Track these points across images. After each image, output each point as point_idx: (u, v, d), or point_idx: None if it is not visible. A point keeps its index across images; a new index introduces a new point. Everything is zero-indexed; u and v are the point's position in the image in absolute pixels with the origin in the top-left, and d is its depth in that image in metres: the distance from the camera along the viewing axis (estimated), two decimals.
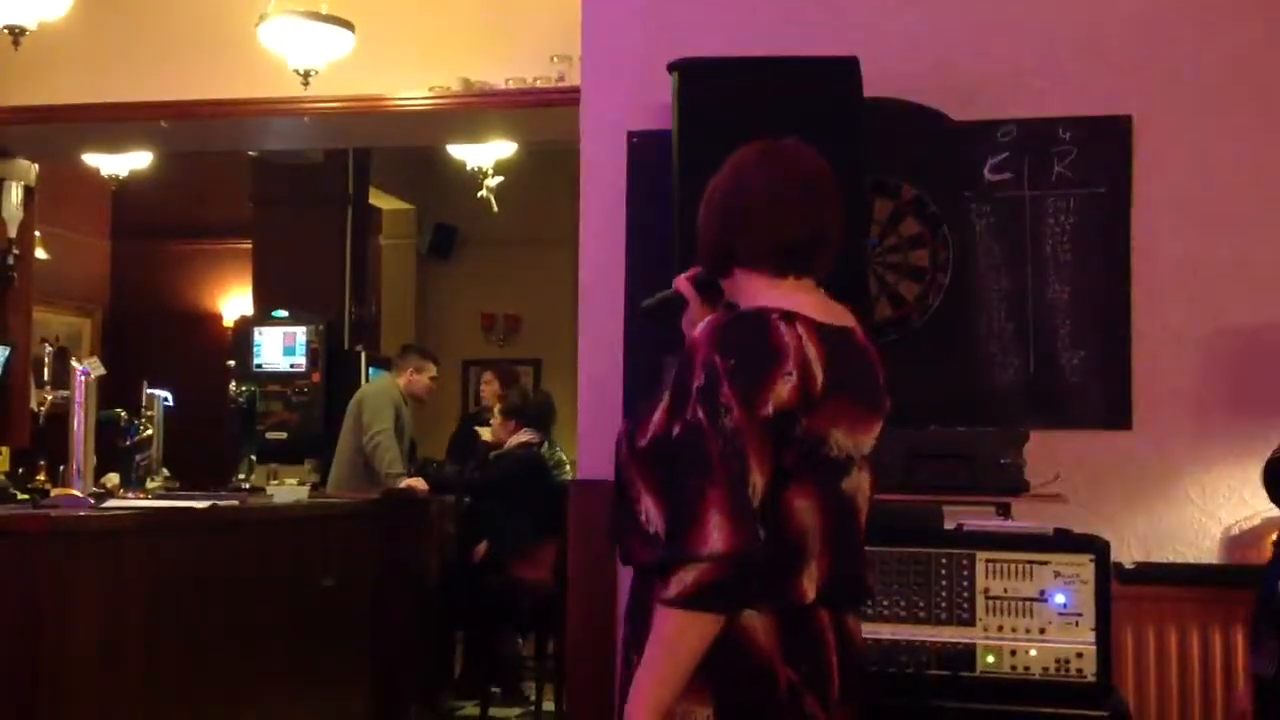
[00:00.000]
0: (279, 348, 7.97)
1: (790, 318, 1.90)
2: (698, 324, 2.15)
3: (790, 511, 1.88)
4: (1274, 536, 2.86)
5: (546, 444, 6.41)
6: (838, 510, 1.95)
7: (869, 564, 2.11)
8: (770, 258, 1.99)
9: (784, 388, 1.85)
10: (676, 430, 1.87)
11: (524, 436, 6.32)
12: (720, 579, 1.78)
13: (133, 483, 4.80)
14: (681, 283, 2.18)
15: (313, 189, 8.31)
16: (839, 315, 2.00)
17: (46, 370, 6.10)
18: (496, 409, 6.55)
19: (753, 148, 2.06)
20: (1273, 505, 2.81)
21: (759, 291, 2.00)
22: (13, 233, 6.67)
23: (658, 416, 1.94)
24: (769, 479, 1.84)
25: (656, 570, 1.85)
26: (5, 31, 4.94)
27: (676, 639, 1.80)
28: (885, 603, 2.76)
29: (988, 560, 2.74)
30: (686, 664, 1.81)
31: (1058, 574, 2.71)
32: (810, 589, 1.91)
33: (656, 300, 2.31)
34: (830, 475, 1.93)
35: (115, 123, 6.13)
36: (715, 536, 1.77)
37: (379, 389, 6.63)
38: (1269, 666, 2.68)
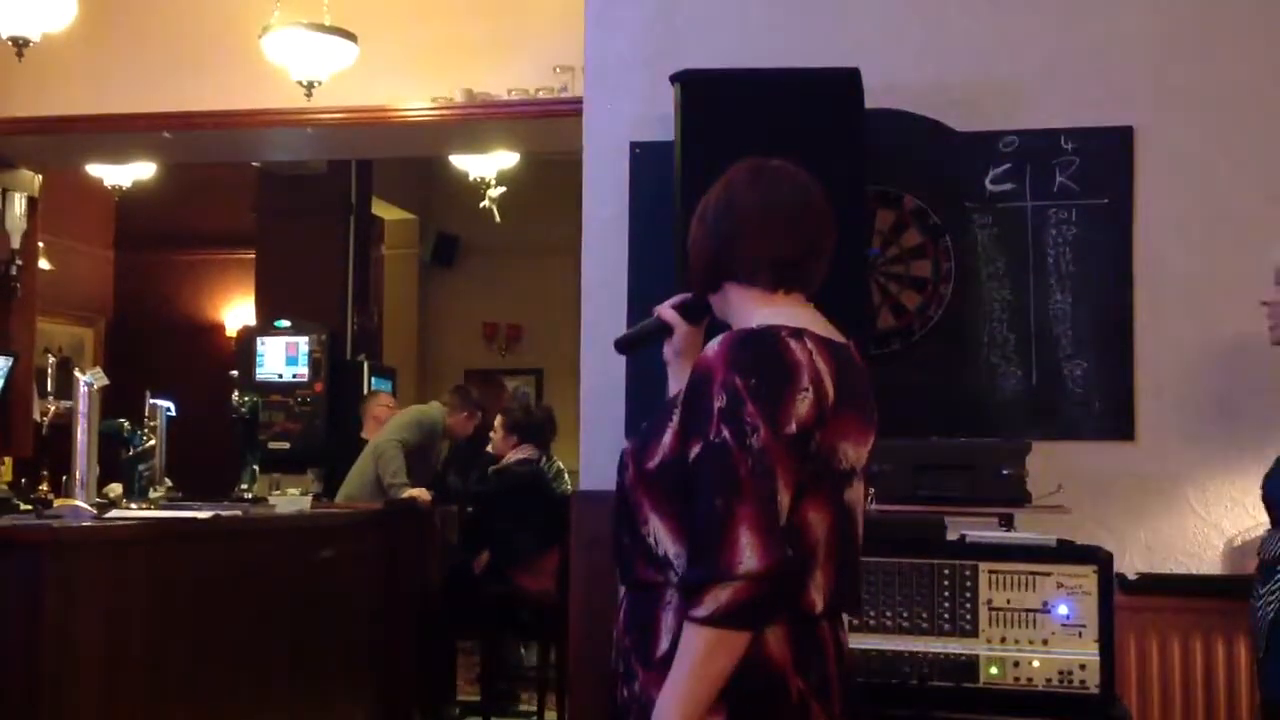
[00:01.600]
0: (281, 357, 7.97)
1: (799, 334, 1.91)
2: (685, 351, 2.16)
3: (805, 524, 1.90)
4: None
5: (545, 458, 6.42)
6: (842, 521, 1.97)
7: (860, 574, 2.12)
8: (764, 272, 2.01)
9: (803, 405, 1.86)
10: (696, 451, 1.87)
11: (523, 452, 6.32)
12: (754, 597, 1.79)
13: (135, 493, 4.80)
14: (666, 311, 2.17)
15: (315, 199, 8.32)
16: (832, 330, 2.02)
17: (50, 380, 6.10)
18: (498, 421, 6.57)
19: (744, 166, 2.07)
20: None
21: (752, 307, 2.01)
22: (16, 243, 6.68)
23: (668, 439, 1.94)
24: (792, 496, 1.86)
25: (684, 589, 1.85)
26: (9, 43, 4.96)
27: (709, 657, 1.81)
28: (888, 614, 2.76)
29: (991, 571, 2.74)
30: (718, 681, 1.82)
31: (1061, 585, 2.71)
32: (819, 600, 1.93)
33: (635, 333, 2.28)
34: (837, 488, 1.95)
35: (118, 134, 6.14)
36: (749, 555, 1.78)
37: (423, 411, 6.73)
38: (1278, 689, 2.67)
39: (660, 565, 1.93)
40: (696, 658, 1.81)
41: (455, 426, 6.73)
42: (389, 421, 6.57)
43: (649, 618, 1.95)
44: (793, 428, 1.85)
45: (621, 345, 2.35)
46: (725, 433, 1.83)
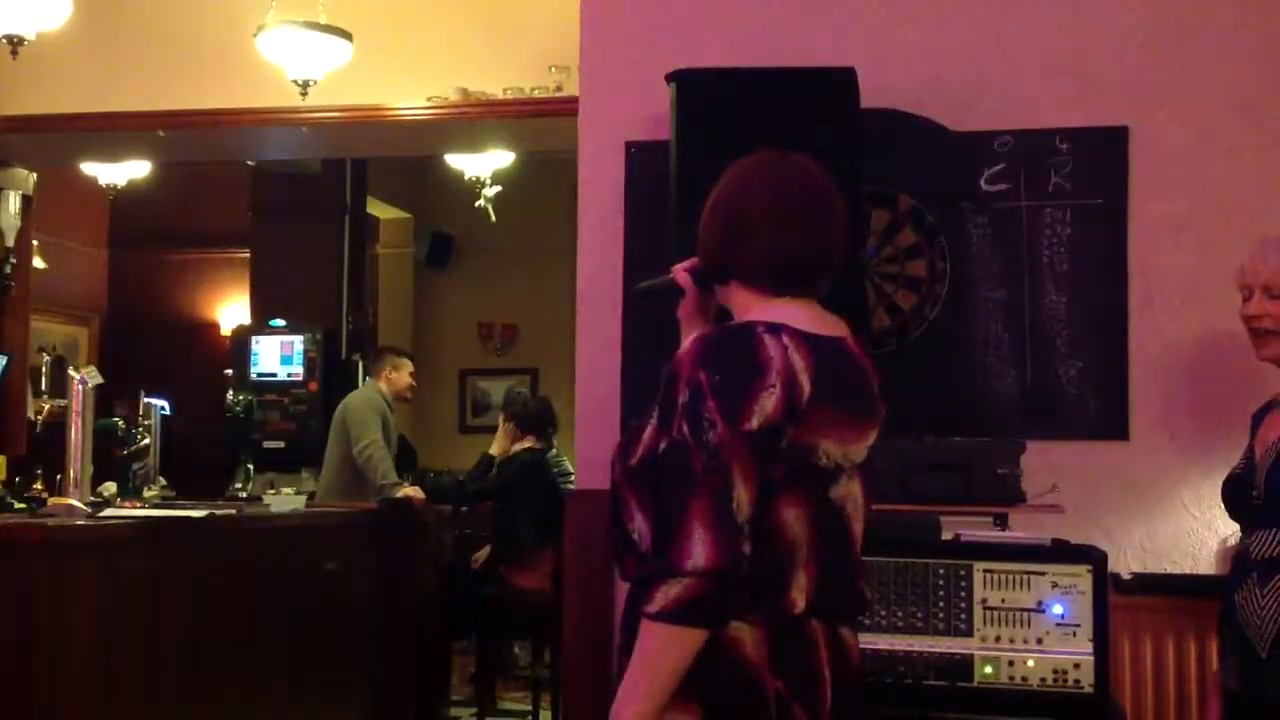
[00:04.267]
0: (276, 357, 7.96)
1: (775, 329, 1.90)
2: (694, 314, 2.16)
3: (780, 523, 1.88)
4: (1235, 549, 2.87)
5: (554, 450, 6.43)
6: (827, 520, 1.94)
7: (866, 575, 2.10)
8: (769, 275, 1.99)
9: (768, 401, 1.84)
10: (663, 447, 1.87)
11: (528, 442, 6.37)
12: (703, 594, 1.78)
13: (129, 492, 4.80)
14: (680, 273, 2.16)
15: (311, 198, 8.31)
16: (831, 326, 1.99)
17: (44, 379, 6.11)
18: (501, 419, 6.61)
19: (760, 159, 2.05)
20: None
21: (752, 307, 2.00)
22: (10, 241, 6.67)
23: (647, 434, 1.94)
24: (755, 493, 1.84)
25: (638, 584, 1.86)
26: (4, 41, 4.95)
27: (660, 653, 1.81)
28: (883, 613, 2.76)
29: (985, 571, 2.75)
30: (670, 678, 1.81)
31: (1055, 584, 2.72)
32: (800, 599, 1.91)
33: (652, 285, 2.30)
34: (819, 485, 1.93)
35: (113, 132, 6.12)
36: (698, 551, 1.77)
37: (363, 399, 6.59)
38: (1233, 680, 2.69)
39: (646, 561, 1.92)
40: (648, 653, 1.81)
41: (392, 388, 6.61)
42: (352, 426, 6.38)
43: (636, 618, 1.94)
44: (753, 424, 1.83)
45: (638, 294, 2.39)
46: (685, 428, 1.84)
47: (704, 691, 1.84)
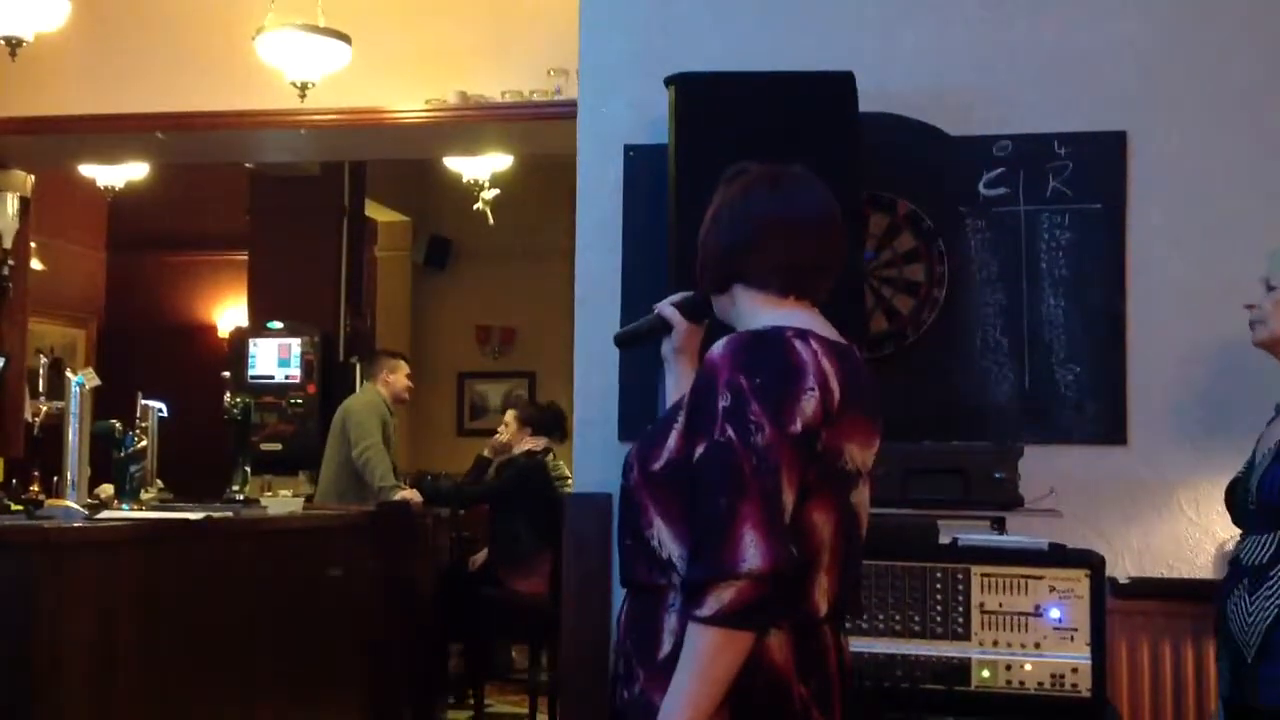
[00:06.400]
0: (274, 359, 7.97)
1: (804, 335, 1.91)
2: (683, 349, 2.16)
3: (810, 526, 1.88)
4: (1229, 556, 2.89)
5: (552, 454, 6.44)
6: (848, 524, 1.96)
7: (860, 577, 2.12)
8: (776, 277, 2.00)
9: (808, 404, 1.85)
10: (700, 450, 1.86)
11: (530, 444, 6.37)
12: (758, 596, 1.77)
13: (127, 494, 4.79)
14: (666, 309, 2.17)
15: (309, 201, 8.31)
16: (836, 334, 2.01)
17: (42, 381, 6.08)
18: (509, 415, 6.60)
19: (764, 171, 2.06)
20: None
21: (759, 310, 2.00)
22: (8, 243, 6.67)
23: (673, 440, 1.93)
24: (796, 496, 1.84)
25: (686, 588, 1.83)
26: (2, 42, 4.95)
27: (713, 657, 1.79)
28: (881, 617, 2.76)
29: (983, 575, 2.75)
30: (722, 681, 1.80)
31: (1053, 589, 2.72)
32: (823, 603, 1.92)
33: (633, 329, 2.27)
34: (844, 489, 1.94)
35: (111, 134, 6.13)
36: (752, 553, 1.77)
37: (364, 402, 6.60)
38: (1225, 686, 2.71)
39: (663, 568, 1.93)
40: (700, 658, 1.79)
41: (389, 390, 6.63)
42: (352, 429, 6.40)
43: (651, 619, 1.94)
44: (797, 427, 1.84)
45: (620, 341, 2.36)
46: (730, 431, 1.83)
47: (735, 697, 1.83)
